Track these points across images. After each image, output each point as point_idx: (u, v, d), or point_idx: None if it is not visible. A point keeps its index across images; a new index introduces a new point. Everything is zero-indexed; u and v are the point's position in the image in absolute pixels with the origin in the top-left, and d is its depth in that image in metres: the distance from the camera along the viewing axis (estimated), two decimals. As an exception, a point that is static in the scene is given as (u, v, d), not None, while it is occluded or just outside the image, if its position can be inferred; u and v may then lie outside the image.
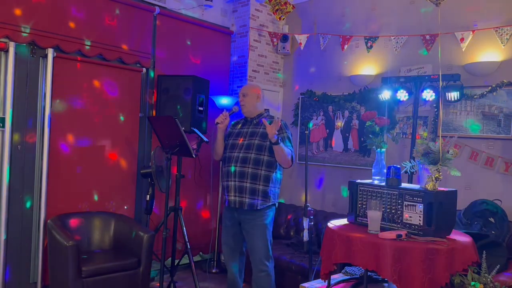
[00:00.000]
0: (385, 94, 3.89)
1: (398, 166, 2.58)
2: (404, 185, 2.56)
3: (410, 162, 2.62)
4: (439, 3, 2.60)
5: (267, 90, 5.07)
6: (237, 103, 3.45)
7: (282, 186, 5.09)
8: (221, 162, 3.35)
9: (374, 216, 2.42)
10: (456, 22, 3.78)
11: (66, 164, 3.73)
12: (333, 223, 2.64)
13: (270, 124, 2.95)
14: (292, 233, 4.56)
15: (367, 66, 4.46)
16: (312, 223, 3.26)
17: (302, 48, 4.80)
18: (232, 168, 3.14)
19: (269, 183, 3.13)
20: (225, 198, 3.24)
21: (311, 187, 4.81)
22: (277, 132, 2.93)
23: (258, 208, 3.09)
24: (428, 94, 3.66)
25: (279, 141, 2.98)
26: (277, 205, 3.27)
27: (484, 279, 2.26)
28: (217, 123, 3.20)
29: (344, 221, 2.70)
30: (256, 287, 3.16)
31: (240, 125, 3.34)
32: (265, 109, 3.36)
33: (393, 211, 2.47)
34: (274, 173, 3.17)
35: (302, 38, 4.75)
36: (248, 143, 3.16)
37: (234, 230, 3.25)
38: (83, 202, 3.84)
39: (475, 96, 3.68)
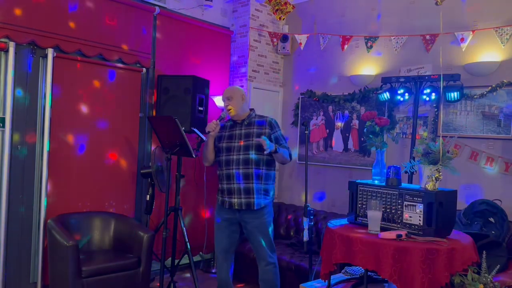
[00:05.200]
0: (385, 94, 3.90)
1: (398, 166, 2.58)
2: (404, 185, 2.56)
3: (410, 162, 2.62)
4: (439, 2, 2.60)
5: (267, 90, 5.08)
6: (223, 109, 3.37)
7: (283, 186, 5.15)
8: (217, 165, 3.31)
9: (374, 216, 2.42)
10: (456, 22, 3.79)
11: (66, 164, 3.73)
12: (333, 223, 2.65)
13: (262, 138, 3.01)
14: (292, 233, 4.56)
15: (367, 66, 4.46)
16: (312, 223, 3.26)
17: (302, 48, 4.80)
18: (235, 171, 3.14)
19: (268, 181, 3.22)
20: (222, 200, 3.25)
21: (311, 187, 4.80)
22: (267, 144, 2.94)
23: (262, 205, 3.15)
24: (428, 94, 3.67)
25: (277, 149, 3.03)
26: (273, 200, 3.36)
27: (484, 279, 2.26)
28: (208, 131, 3.18)
29: (344, 221, 2.70)
30: (264, 280, 3.21)
31: (228, 128, 3.29)
32: (250, 109, 3.33)
33: (393, 211, 2.48)
34: (273, 171, 3.27)
35: (302, 38, 4.75)
36: (246, 144, 3.15)
37: (230, 229, 3.25)
38: (83, 202, 3.83)
39: (475, 96, 3.68)
